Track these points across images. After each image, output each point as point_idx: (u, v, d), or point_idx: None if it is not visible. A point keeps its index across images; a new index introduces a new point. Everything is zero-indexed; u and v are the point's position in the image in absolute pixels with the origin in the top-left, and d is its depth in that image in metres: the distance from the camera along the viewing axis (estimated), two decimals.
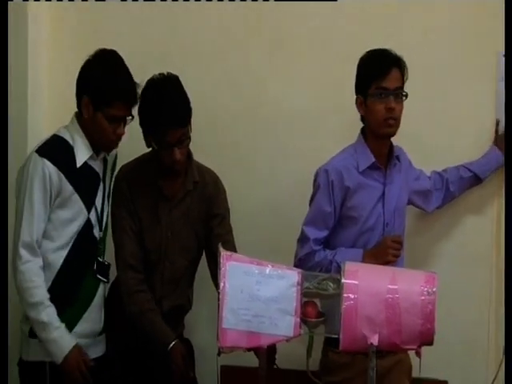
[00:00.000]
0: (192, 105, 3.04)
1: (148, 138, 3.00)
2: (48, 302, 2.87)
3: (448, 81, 3.48)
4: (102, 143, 2.96)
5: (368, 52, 3.02)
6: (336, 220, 3.07)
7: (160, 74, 3.01)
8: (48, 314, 2.87)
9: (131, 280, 3.08)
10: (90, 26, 3.69)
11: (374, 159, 3.04)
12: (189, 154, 3.08)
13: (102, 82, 2.88)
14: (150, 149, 3.08)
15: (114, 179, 3.14)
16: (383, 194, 3.07)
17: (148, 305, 3.07)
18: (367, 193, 3.06)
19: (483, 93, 3.46)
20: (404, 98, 3.00)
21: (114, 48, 3.12)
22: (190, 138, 3.00)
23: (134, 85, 2.94)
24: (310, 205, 3.10)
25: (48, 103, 3.64)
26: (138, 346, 3.11)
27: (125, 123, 2.95)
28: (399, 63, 2.98)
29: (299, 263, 3.04)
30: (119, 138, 2.95)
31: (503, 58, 3.36)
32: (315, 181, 3.08)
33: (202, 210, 3.13)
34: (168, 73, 3.01)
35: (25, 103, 3.49)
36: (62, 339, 2.88)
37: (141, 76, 3.02)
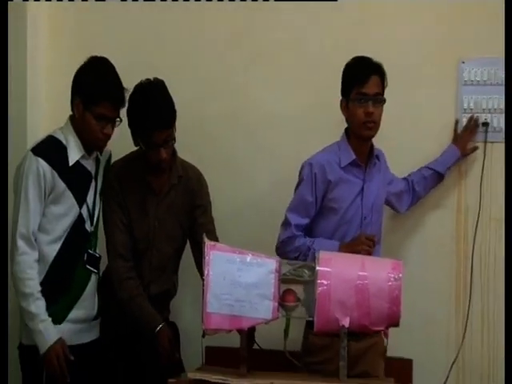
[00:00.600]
0: (178, 109, 3.03)
1: (136, 138, 3.00)
2: (38, 295, 2.87)
3: (413, 86, 3.47)
4: (91, 141, 2.95)
5: (353, 58, 3.03)
6: (317, 210, 3.08)
7: (147, 79, 3.00)
8: (37, 305, 2.86)
9: (121, 268, 3.07)
10: (87, 30, 3.65)
11: (354, 157, 3.05)
12: (173, 152, 3.08)
13: (92, 83, 2.89)
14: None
15: (108, 176, 3.14)
16: (362, 189, 3.07)
17: (137, 291, 3.06)
18: (347, 187, 3.07)
19: (445, 96, 3.46)
20: (383, 102, 3.01)
21: (107, 52, 3.12)
22: (174, 138, 3.01)
23: (121, 88, 2.94)
24: (294, 193, 3.12)
25: (46, 105, 3.60)
26: (128, 333, 3.09)
27: (113, 125, 2.95)
28: (379, 71, 3.00)
29: (281, 245, 3.06)
30: (107, 137, 2.95)
31: (462, 65, 3.44)
32: (300, 173, 3.10)
33: (186, 202, 3.13)
34: (154, 78, 3.01)
35: (24, 104, 3.45)
36: (46, 331, 2.86)
37: (130, 79, 3.02)
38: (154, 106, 2.93)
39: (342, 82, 3.05)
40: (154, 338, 2.99)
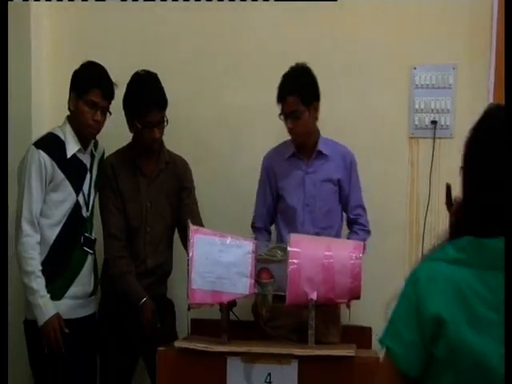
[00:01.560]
0: (170, 107, 3.05)
1: (132, 121, 3.00)
2: (39, 273, 2.87)
3: (372, 88, 3.45)
4: (84, 128, 2.96)
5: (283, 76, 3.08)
6: (274, 197, 3.19)
7: (142, 70, 3.05)
8: (38, 283, 2.86)
9: (114, 247, 3.05)
10: (83, 39, 3.58)
11: (294, 150, 3.11)
12: (162, 142, 3.10)
13: (84, 76, 2.96)
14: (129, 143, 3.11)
15: (103, 166, 3.14)
16: (303, 180, 3.12)
17: (126, 268, 3.03)
18: (291, 177, 3.12)
19: (399, 98, 3.44)
20: (302, 115, 3.03)
21: (104, 57, 3.14)
22: (167, 121, 3.04)
23: (110, 80, 2.99)
24: None
25: (48, 106, 3.52)
26: (118, 312, 3.05)
27: (103, 113, 2.97)
28: (295, 91, 3.02)
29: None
30: (97, 123, 2.95)
31: (414, 71, 3.44)
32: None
33: (174, 185, 3.13)
34: (148, 70, 3.06)
35: (29, 107, 3.39)
36: (45, 306, 2.86)
37: (123, 77, 3.04)
38: (149, 90, 2.98)
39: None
40: (139, 310, 2.97)
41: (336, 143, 3.19)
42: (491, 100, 3.37)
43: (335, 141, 3.19)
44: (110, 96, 2.96)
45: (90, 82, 2.92)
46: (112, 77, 3.03)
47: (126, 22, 3.57)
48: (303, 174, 3.12)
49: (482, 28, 3.37)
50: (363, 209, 3.19)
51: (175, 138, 3.22)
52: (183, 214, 3.06)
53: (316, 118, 3.10)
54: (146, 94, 2.96)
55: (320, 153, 3.12)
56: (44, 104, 3.51)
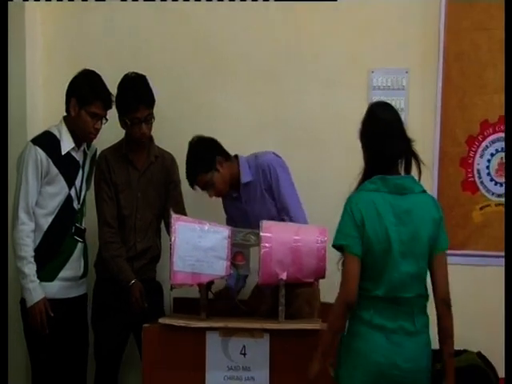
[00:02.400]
0: (155, 110, 3.07)
1: (123, 118, 3.02)
2: (31, 259, 2.88)
3: (334, 89, 3.45)
4: (84, 134, 2.97)
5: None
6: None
7: (132, 72, 3.07)
8: (29, 268, 2.87)
9: (106, 233, 3.07)
10: (75, 45, 3.54)
11: (235, 192, 3.09)
12: (151, 137, 3.12)
13: (87, 88, 2.93)
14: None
15: (97, 160, 3.15)
16: (246, 211, 3.06)
17: (117, 252, 3.05)
18: (235, 210, 3.14)
19: (359, 98, 3.40)
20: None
21: (97, 64, 3.16)
22: (153, 118, 3.05)
23: (109, 93, 2.99)
24: None
25: (42, 107, 3.49)
26: (111, 292, 3.07)
27: (101, 122, 2.98)
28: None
29: None
30: (97, 131, 2.97)
31: (372, 74, 3.45)
32: None
33: (162, 177, 3.15)
34: (137, 72, 3.08)
35: (24, 107, 3.37)
36: (34, 290, 2.87)
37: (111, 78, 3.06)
38: (137, 89, 3.01)
39: None
40: (128, 290, 2.99)
41: (255, 159, 3.04)
42: (439, 100, 3.44)
43: (254, 156, 3.07)
44: (109, 107, 2.98)
45: (92, 95, 2.92)
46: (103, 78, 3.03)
47: (114, 28, 3.54)
48: (243, 207, 3.06)
49: (431, 37, 3.40)
50: (286, 213, 3.00)
51: (161, 135, 3.22)
52: (169, 204, 3.08)
53: (227, 174, 3.01)
54: (134, 93, 2.99)
55: (245, 184, 3.03)
56: (38, 105, 3.48)
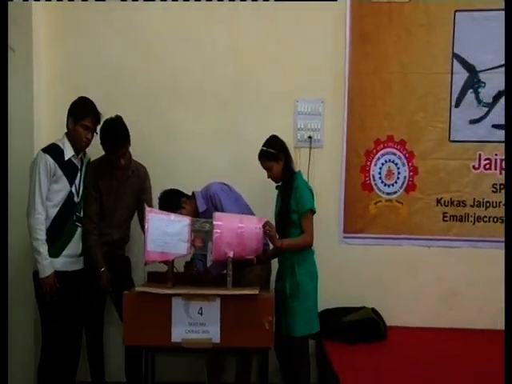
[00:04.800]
0: (132, 127, 2.98)
1: (106, 152, 2.99)
2: (44, 241, 2.84)
3: (269, 115, 3.42)
4: (78, 143, 2.93)
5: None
6: None
7: (111, 117, 2.95)
8: (43, 248, 2.84)
9: (88, 226, 3.02)
10: (71, 76, 3.42)
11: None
12: (130, 156, 3.05)
13: (81, 108, 2.90)
14: None
15: (88, 168, 3.07)
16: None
17: (94, 243, 3.01)
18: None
19: (287, 121, 3.43)
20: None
21: (86, 88, 3.15)
22: (129, 152, 3.01)
23: (98, 111, 2.93)
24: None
25: (46, 123, 3.37)
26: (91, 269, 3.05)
27: (92, 134, 2.93)
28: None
29: None
30: (88, 140, 2.93)
31: (297, 103, 3.41)
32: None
33: (137, 185, 3.10)
34: (116, 115, 2.96)
35: (31, 123, 3.29)
36: (47, 267, 2.84)
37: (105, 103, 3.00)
38: (115, 134, 2.92)
39: None
40: (99, 274, 3.00)
41: (206, 191, 3.02)
42: (345, 123, 3.43)
43: (205, 188, 3.03)
44: (98, 122, 2.93)
45: (85, 113, 2.89)
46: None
47: (102, 62, 3.42)
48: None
49: (340, 78, 3.44)
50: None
51: (136, 146, 3.13)
52: (142, 203, 3.03)
53: (191, 209, 2.96)
54: (113, 138, 2.92)
55: (202, 212, 2.99)
56: (42, 121, 3.37)
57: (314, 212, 2.85)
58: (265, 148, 2.92)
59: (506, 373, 1.43)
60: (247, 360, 3.09)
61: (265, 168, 2.94)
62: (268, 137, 2.98)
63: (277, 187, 3.00)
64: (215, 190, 3.00)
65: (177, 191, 3.02)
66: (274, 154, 2.90)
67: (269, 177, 2.95)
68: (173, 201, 2.95)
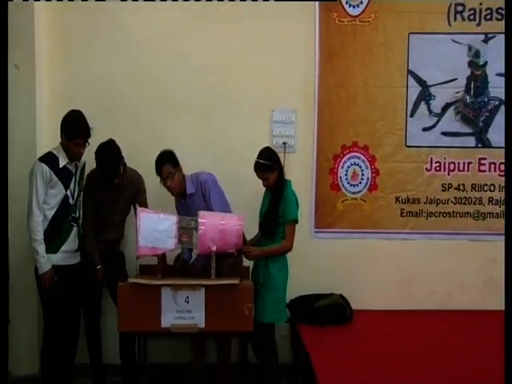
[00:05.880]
0: (125, 136, 2.98)
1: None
2: (42, 241, 2.83)
3: (249, 124, 3.42)
4: (71, 156, 2.91)
5: None
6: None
7: (104, 142, 2.90)
8: (41, 247, 2.83)
9: (85, 228, 3.02)
10: (69, 91, 3.36)
11: (180, 198, 2.98)
12: (124, 165, 3.00)
13: (71, 127, 2.85)
14: None
15: (85, 178, 3.06)
16: (188, 209, 2.92)
17: (91, 242, 3.00)
18: (181, 210, 2.97)
19: (264, 129, 3.44)
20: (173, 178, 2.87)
21: (82, 103, 3.05)
22: (121, 173, 2.95)
23: (87, 126, 2.87)
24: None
25: (46, 133, 3.30)
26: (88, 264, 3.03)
27: (84, 146, 2.89)
28: (166, 161, 2.87)
29: None
30: (80, 153, 2.90)
31: (273, 112, 3.40)
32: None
33: (132, 191, 3.08)
34: (109, 139, 2.92)
35: (34, 133, 3.25)
36: (44, 264, 2.84)
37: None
38: (107, 166, 2.87)
39: None
40: (95, 271, 2.99)
41: (195, 177, 2.97)
42: (315, 131, 3.42)
43: (195, 175, 2.98)
44: (88, 137, 2.88)
45: (75, 133, 2.83)
46: (88, 114, 2.92)
47: (96, 79, 3.38)
48: (188, 208, 2.94)
49: (310, 90, 3.44)
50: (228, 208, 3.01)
51: (129, 153, 3.10)
52: (136, 204, 3.04)
53: (183, 176, 2.93)
54: (106, 169, 2.88)
55: (189, 194, 2.96)
56: (43, 131, 3.33)
57: (297, 222, 2.86)
58: (261, 160, 2.86)
59: (506, 372, 1.45)
60: (226, 343, 3.10)
61: (261, 178, 2.88)
62: (262, 149, 2.93)
63: (266, 190, 2.98)
64: (206, 178, 2.95)
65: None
66: (270, 165, 2.85)
67: (264, 185, 2.91)
68: (173, 158, 2.90)
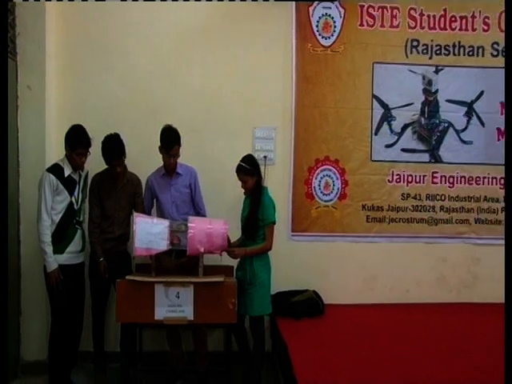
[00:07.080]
0: (128, 140, 2.98)
1: (106, 162, 2.97)
2: (50, 243, 2.84)
3: (234, 139, 3.41)
4: (75, 165, 2.93)
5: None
6: (152, 198, 3.04)
7: (110, 134, 2.93)
8: (48, 248, 2.84)
9: (91, 226, 3.03)
10: (74, 105, 3.35)
11: (164, 171, 2.99)
12: (125, 167, 3.05)
13: (73, 140, 2.87)
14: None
15: (90, 181, 3.07)
16: (170, 189, 2.98)
17: (95, 239, 3.00)
18: (162, 187, 2.99)
19: (247, 144, 3.42)
20: (176, 157, 2.91)
21: (86, 117, 3.09)
22: (124, 163, 3.00)
23: (87, 137, 2.90)
24: None
25: (54, 145, 3.25)
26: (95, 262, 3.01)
27: (86, 156, 2.92)
28: (177, 142, 2.88)
29: None
30: (83, 162, 2.93)
31: (255, 130, 3.41)
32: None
33: (131, 191, 3.07)
34: (115, 132, 2.95)
35: (43, 145, 3.22)
36: (51, 263, 2.85)
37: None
38: (112, 148, 2.91)
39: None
40: (98, 264, 2.97)
41: (187, 166, 3.04)
42: (293, 146, 3.44)
43: (187, 164, 3.05)
44: (88, 146, 2.91)
45: (76, 144, 2.86)
46: (91, 128, 2.92)
47: (98, 96, 3.37)
48: (169, 186, 2.98)
49: (288, 110, 3.43)
50: (203, 205, 3.06)
51: (128, 165, 3.10)
52: (134, 206, 3.05)
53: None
54: (111, 151, 2.92)
55: (178, 173, 3.00)
56: (52, 143, 3.31)
57: (275, 223, 2.90)
58: (243, 164, 2.89)
59: (506, 372, 1.44)
60: (202, 332, 3.07)
61: (241, 180, 2.91)
62: (245, 154, 2.97)
63: (245, 196, 2.99)
64: (196, 173, 3.04)
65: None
66: (250, 170, 2.89)
67: (243, 187, 2.94)
68: (179, 137, 2.89)
